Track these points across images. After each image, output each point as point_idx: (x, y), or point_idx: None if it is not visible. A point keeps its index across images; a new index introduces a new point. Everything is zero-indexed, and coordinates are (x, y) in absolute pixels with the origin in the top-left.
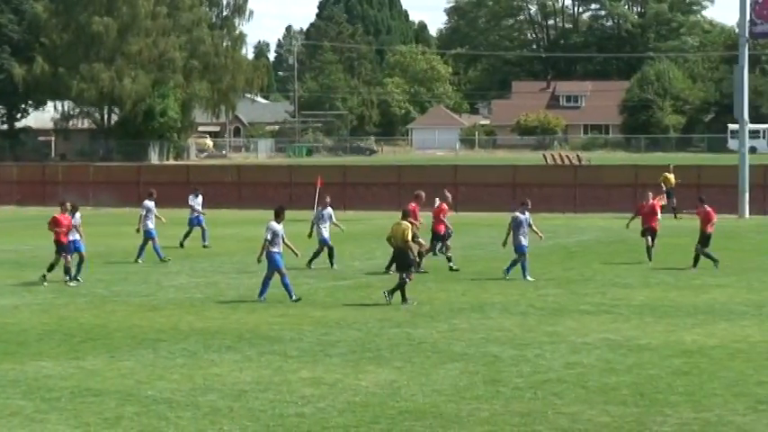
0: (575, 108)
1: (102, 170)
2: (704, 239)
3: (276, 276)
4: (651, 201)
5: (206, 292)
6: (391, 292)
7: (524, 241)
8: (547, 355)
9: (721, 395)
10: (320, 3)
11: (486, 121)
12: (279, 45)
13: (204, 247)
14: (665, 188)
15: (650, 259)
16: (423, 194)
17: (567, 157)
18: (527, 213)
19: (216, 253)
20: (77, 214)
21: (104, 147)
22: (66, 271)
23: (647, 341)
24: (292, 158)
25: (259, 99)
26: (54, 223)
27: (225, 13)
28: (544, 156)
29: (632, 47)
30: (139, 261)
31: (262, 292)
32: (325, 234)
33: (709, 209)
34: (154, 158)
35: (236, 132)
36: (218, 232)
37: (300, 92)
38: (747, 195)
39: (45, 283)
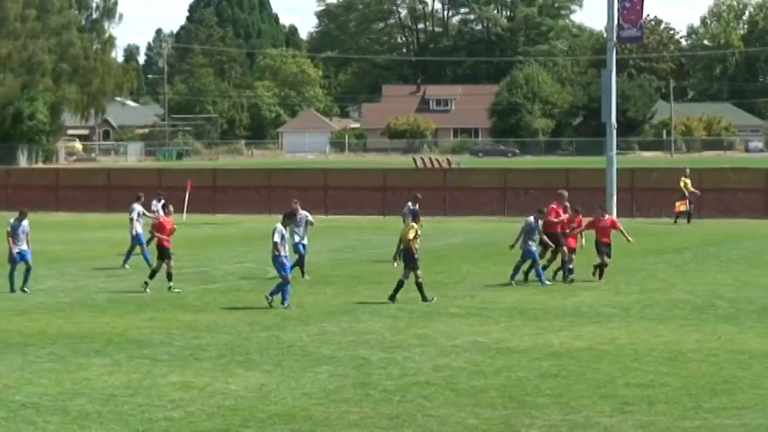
0: (444, 112)
1: None
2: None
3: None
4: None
5: (75, 296)
6: (423, 295)
7: (533, 247)
8: (416, 357)
9: (589, 397)
10: (190, 6)
11: (357, 125)
12: (149, 48)
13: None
14: (686, 193)
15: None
16: (565, 193)
17: (437, 160)
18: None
19: (85, 256)
20: (25, 221)
21: None
22: (169, 276)
23: (516, 344)
24: (162, 162)
25: (129, 102)
26: (158, 227)
27: (94, 16)
28: (414, 159)
29: (502, 51)
30: (126, 266)
31: (273, 293)
32: (301, 240)
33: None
34: (23, 162)
35: (106, 135)
36: (88, 236)
37: (170, 95)
38: (615, 198)
39: (148, 290)
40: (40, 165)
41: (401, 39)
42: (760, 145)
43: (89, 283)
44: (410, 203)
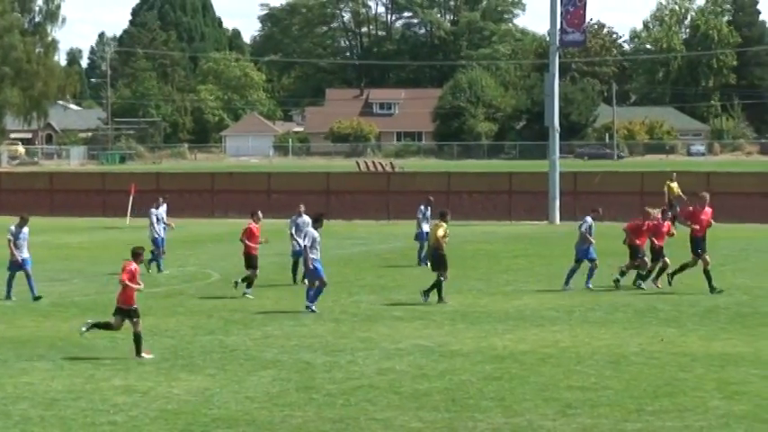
0: (388, 115)
1: None
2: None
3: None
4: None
5: (17, 299)
6: (426, 291)
7: (592, 248)
8: (359, 361)
9: (531, 400)
10: (133, 9)
11: (300, 129)
12: (92, 52)
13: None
14: (667, 198)
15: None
16: (707, 196)
17: (381, 164)
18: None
19: None
20: (26, 228)
21: None
22: (250, 283)
23: (459, 347)
24: (105, 165)
25: (72, 106)
26: (248, 235)
27: (37, 20)
28: (357, 163)
29: (445, 55)
30: (164, 271)
31: (311, 302)
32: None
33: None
34: None
35: (48, 139)
36: (30, 240)
37: (113, 99)
38: (558, 202)
39: (250, 296)
40: None
41: (345, 43)
42: (702, 149)
43: None
44: (422, 206)
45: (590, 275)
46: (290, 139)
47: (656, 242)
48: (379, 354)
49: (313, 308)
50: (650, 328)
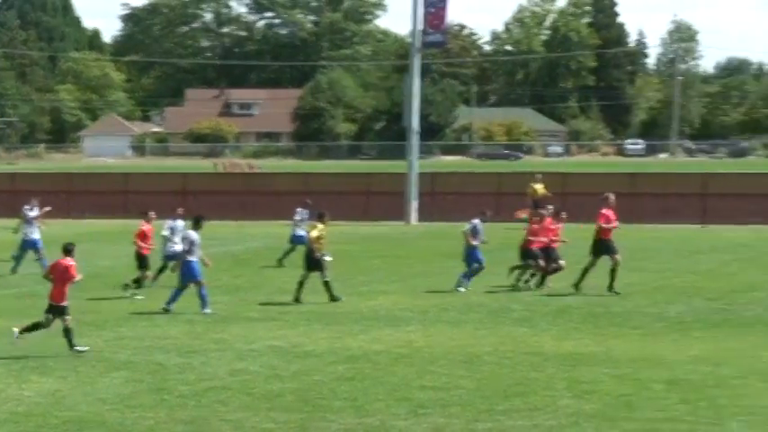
0: (247, 116)
1: None
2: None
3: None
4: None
5: None
6: (330, 296)
7: (478, 251)
8: (213, 362)
9: (384, 400)
10: None
11: (159, 129)
12: None
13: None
14: (531, 199)
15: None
16: (611, 196)
17: (238, 164)
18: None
19: None
20: None
21: None
22: (138, 283)
23: (313, 348)
24: None
25: None
26: (141, 236)
27: None
28: (215, 164)
29: (306, 55)
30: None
31: (170, 302)
32: (176, 248)
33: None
34: None
35: None
36: None
37: None
38: (416, 203)
39: (137, 297)
40: None
41: (206, 43)
42: (559, 150)
43: None
44: (299, 209)
45: (468, 277)
46: (147, 140)
47: (552, 244)
48: (233, 355)
49: (208, 310)
50: (503, 328)
